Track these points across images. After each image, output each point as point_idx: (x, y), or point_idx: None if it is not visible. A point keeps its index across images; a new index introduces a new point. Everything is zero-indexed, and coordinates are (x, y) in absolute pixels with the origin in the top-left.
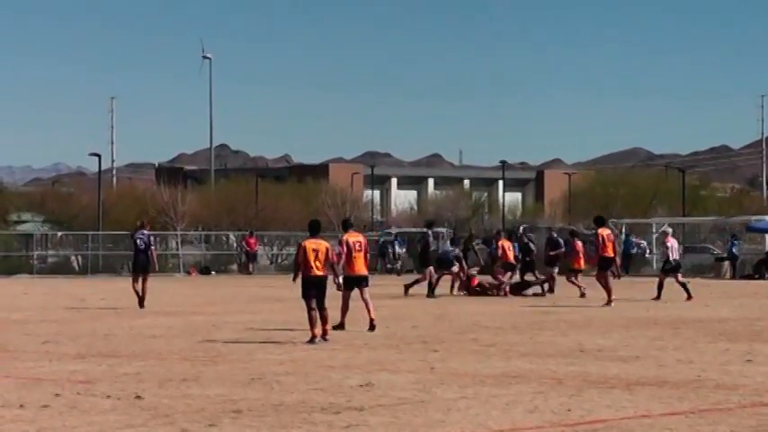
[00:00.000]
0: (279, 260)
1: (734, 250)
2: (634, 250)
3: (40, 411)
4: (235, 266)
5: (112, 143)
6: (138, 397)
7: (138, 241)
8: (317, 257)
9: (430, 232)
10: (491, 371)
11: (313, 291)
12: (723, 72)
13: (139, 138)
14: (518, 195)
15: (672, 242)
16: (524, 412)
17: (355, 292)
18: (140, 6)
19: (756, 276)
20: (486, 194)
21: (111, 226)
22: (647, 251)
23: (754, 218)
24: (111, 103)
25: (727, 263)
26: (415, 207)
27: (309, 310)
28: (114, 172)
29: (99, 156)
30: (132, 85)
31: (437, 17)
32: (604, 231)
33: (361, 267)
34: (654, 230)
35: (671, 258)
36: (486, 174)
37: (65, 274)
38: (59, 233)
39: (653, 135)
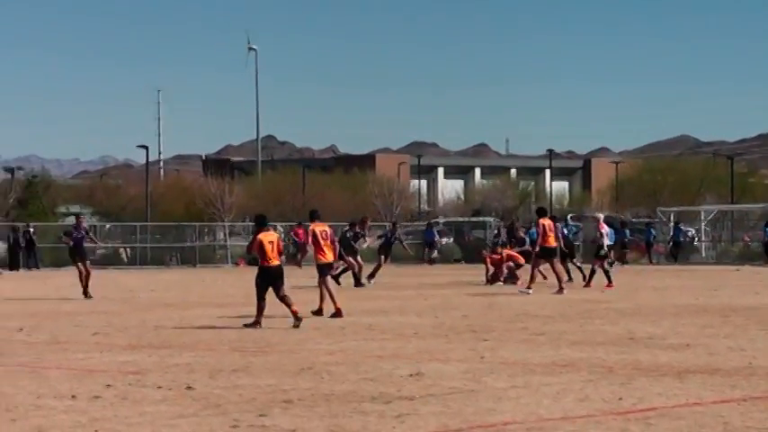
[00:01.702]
0: None
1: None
2: (683, 238)
3: (91, 402)
4: (283, 257)
5: (159, 135)
6: (189, 387)
7: (75, 234)
8: (273, 249)
9: (351, 230)
10: (541, 360)
11: (271, 280)
12: None
13: (186, 130)
14: (565, 184)
15: (605, 228)
16: (575, 401)
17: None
18: None
19: None
20: (532, 183)
21: (158, 217)
22: (696, 239)
23: None
24: (157, 95)
25: None
26: (462, 197)
27: (261, 300)
28: (161, 164)
29: (146, 148)
30: (179, 78)
31: (484, 7)
32: (545, 221)
33: (329, 255)
34: (702, 218)
35: (605, 245)
36: (532, 163)
37: (113, 265)
38: (108, 225)
39: (700, 122)
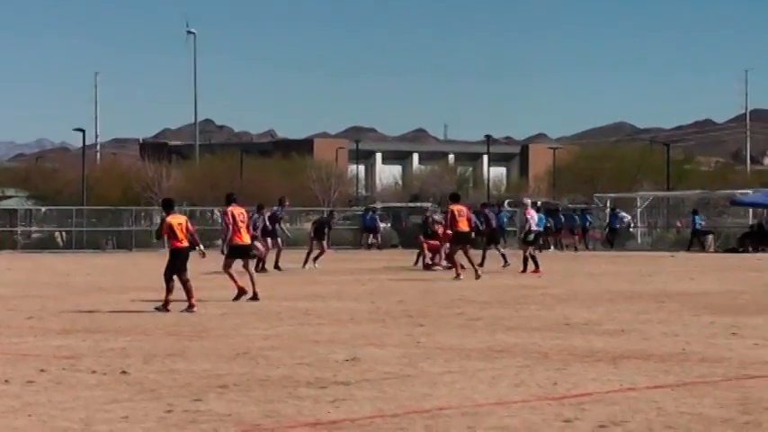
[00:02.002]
0: None
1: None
2: (619, 225)
3: (25, 387)
4: (219, 242)
5: (96, 118)
6: (124, 372)
7: None
8: (182, 230)
9: (259, 213)
10: (477, 345)
11: (182, 260)
12: (707, 46)
13: (124, 113)
14: (503, 170)
15: (532, 214)
16: (510, 386)
17: None
18: None
19: (740, 250)
20: (470, 169)
21: (95, 201)
22: (632, 225)
23: (739, 192)
24: (94, 78)
25: (711, 236)
26: (400, 182)
27: (186, 281)
28: (98, 147)
29: (83, 131)
30: (116, 60)
31: None
32: (456, 207)
33: (246, 237)
34: (638, 205)
35: (531, 229)
36: (470, 148)
37: (49, 249)
38: (43, 209)
39: (637, 109)
